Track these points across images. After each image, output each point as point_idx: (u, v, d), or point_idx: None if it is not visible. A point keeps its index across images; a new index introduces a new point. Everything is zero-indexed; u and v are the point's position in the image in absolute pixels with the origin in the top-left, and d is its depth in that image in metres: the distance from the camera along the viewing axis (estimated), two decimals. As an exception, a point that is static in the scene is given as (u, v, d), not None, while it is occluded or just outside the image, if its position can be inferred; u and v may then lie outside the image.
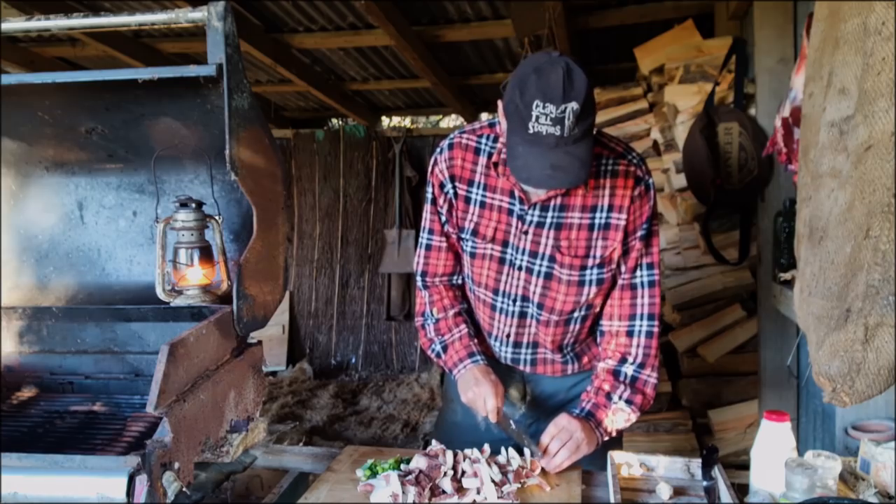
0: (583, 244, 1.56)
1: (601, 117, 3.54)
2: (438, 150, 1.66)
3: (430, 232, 1.71)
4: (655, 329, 1.61)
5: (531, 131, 1.32)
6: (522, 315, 1.65)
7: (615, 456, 1.53)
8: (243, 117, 1.30)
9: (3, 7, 3.37)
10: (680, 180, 3.26)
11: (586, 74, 1.33)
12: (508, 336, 1.68)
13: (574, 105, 1.30)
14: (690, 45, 3.30)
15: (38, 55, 4.53)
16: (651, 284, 1.60)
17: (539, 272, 1.59)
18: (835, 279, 1.32)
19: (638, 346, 1.60)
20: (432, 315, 1.72)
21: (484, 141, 1.61)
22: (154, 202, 1.60)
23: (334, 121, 7.12)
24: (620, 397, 1.58)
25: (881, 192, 1.21)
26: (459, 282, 1.75)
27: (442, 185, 1.65)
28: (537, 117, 1.31)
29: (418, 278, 1.76)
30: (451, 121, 8.77)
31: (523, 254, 1.59)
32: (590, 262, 1.56)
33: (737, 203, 3.18)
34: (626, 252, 1.58)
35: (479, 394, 1.55)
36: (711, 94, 3.13)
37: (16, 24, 1.35)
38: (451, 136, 1.66)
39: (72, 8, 3.66)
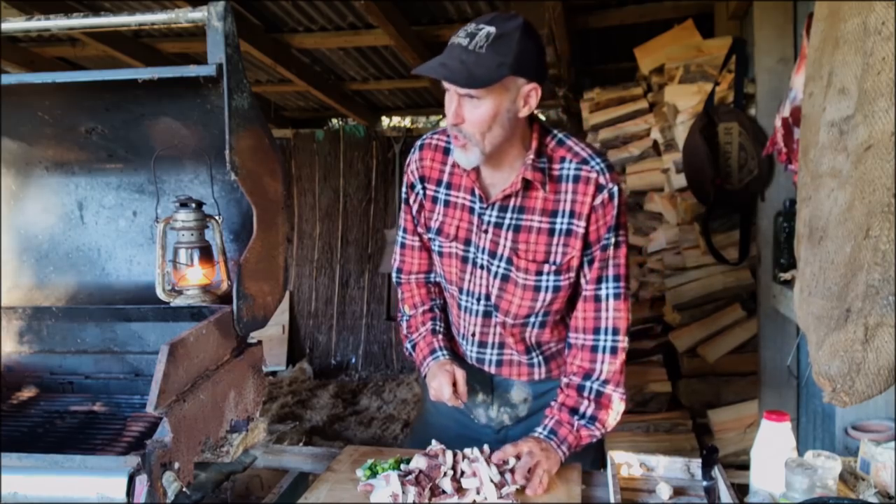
0: (542, 249, 1.53)
1: (601, 117, 3.55)
2: (412, 150, 1.68)
3: (405, 231, 1.73)
4: (620, 345, 1.55)
5: (448, 44, 1.38)
6: (487, 315, 1.63)
7: (615, 456, 1.53)
8: (243, 117, 1.30)
9: (3, 7, 3.37)
10: (680, 180, 3.26)
11: (536, 38, 1.40)
12: (474, 335, 1.67)
13: (491, 29, 1.35)
14: (690, 45, 3.30)
15: (38, 55, 4.53)
16: (616, 297, 1.54)
17: (496, 273, 1.57)
18: (835, 279, 1.32)
19: (602, 362, 1.55)
20: (405, 312, 1.75)
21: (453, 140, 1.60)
22: (154, 202, 1.60)
23: (334, 121, 7.12)
24: (584, 414, 1.53)
25: (881, 192, 1.21)
26: (434, 279, 1.76)
27: (412, 186, 1.66)
28: (458, 32, 1.38)
29: (394, 275, 1.79)
30: (451, 121, 8.75)
31: (483, 252, 1.57)
32: (546, 267, 1.53)
33: (737, 203, 3.17)
34: (589, 262, 1.53)
35: (437, 388, 1.57)
36: (711, 94, 3.13)
37: (16, 24, 1.35)
38: (424, 136, 1.67)
39: (72, 8, 3.66)
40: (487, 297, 1.60)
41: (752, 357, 3.28)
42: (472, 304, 1.63)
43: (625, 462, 1.53)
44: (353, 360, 6.02)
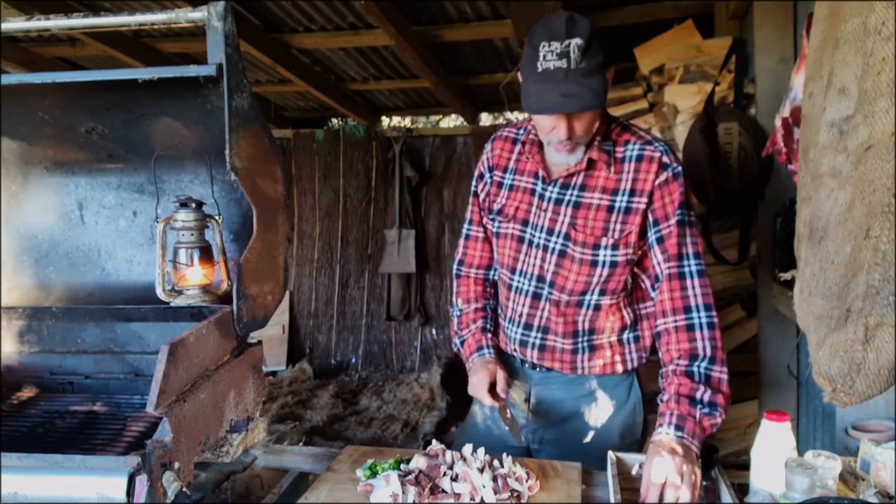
0: (600, 224, 1.58)
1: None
2: (488, 142, 1.79)
3: (470, 222, 1.83)
4: (715, 320, 1.52)
5: (540, 70, 1.41)
6: (536, 296, 1.66)
7: (615, 456, 1.53)
8: (243, 117, 1.30)
9: (3, 7, 3.37)
10: (680, 180, 3.25)
11: (590, 24, 1.42)
12: (521, 316, 1.69)
13: (578, 41, 1.39)
14: (690, 45, 3.29)
15: (38, 55, 4.53)
16: (700, 274, 1.54)
17: (553, 249, 1.62)
18: (835, 279, 1.32)
19: (703, 339, 1.50)
20: (457, 305, 1.81)
21: (521, 131, 1.71)
22: (154, 202, 1.60)
23: (334, 121, 7.12)
24: (703, 401, 1.45)
25: (881, 192, 1.21)
26: (493, 277, 1.81)
27: (482, 176, 1.77)
28: (544, 56, 1.41)
29: (454, 266, 1.86)
30: (450, 121, 8.76)
31: (541, 231, 1.63)
32: (604, 241, 1.57)
33: (737, 203, 3.17)
34: (661, 239, 1.55)
35: (475, 384, 1.63)
36: (711, 94, 3.13)
37: (16, 24, 1.35)
38: (499, 130, 1.79)
39: (72, 8, 3.66)
40: (540, 279, 1.65)
41: (752, 357, 3.28)
42: (524, 284, 1.67)
43: (625, 462, 1.53)
44: (353, 360, 6.02)
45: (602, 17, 3.76)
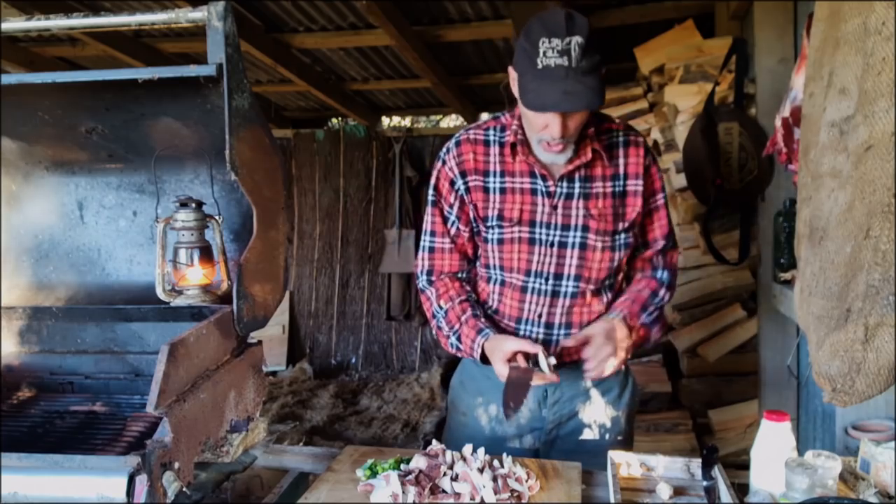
0: (609, 211, 1.64)
1: (601, 117, 3.54)
2: (445, 150, 1.69)
3: (432, 234, 1.72)
4: (675, 282, 1.77)
5: (540, 66, 1.40)
6: (555, 294, 1.66)
7: (615, 456, 1.53)
8: (243, 117, 1.30)
9: (3, 7, 3.37)
10: (680, 180, 3.25)
11: (587, 21, 1.42)
12: (540, 316, 1.67)
13: (578, 38, 1.39)
14: (691, 45, 3.29)
15: (38, 55, 4.53)
16: (674, 247, 1.78)
17: (573, 244, 1.62)
18: (835, 279, 1.32)
19: (667, 260, 1.75)
20: (441, 308, 1.71)
21: (492, 133, 1.67)
22: (154, 202, 1.59)
23: (334, 121, 7.12)
24: (651, 313, 1.68)
25: (881, 192, 1.21)
26: (466, 277, 1.76)
27: (452, 182, 1.67)
28: (545, 52, 1.39)
29: (422, 278, 1.75)
30: (451, 121, 8.77)
31: (554, 229, 1.62)
32: (620, 225, 1.64)
33: (737, 203, 3.18)
34: (649, 213, 1.70)
35: (506, 350, 1.53)
36: (711, 94, 3.13)
37: (16, 24, 1.35)
38: (457, 135, 1.70)
39: (72, 8, 3.66)
40: (557, 276, 1.65)
41: (752, 357, 3.28)
42: (541, 284, 1.66)
43: (625, 462, 1.53)
44: (353, 360, 6.02)
45: (602, 17, 3.76)
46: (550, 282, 1.65)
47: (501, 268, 1.68)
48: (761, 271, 3.19)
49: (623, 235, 1.66)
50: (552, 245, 1.63)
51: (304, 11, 3.86)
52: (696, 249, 3.29)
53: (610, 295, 1.71)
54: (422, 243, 1.74)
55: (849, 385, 1.26)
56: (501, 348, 1.55)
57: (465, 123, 6.59)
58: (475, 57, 4.72)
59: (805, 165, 1.50)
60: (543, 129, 1.50)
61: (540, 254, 1.64)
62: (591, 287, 1.66)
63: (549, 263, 1.64)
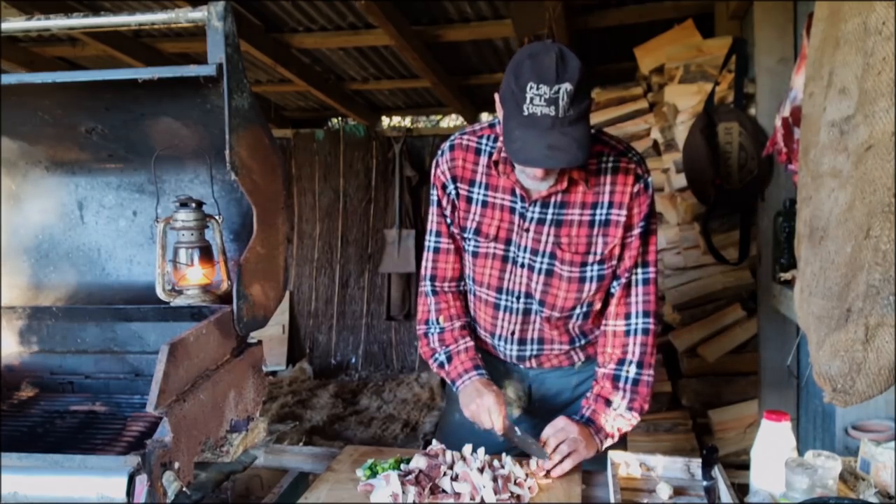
0: (583, 241, 1.56)
1: (601, 117, 3.54)
2: (440, 152, 1.67)
3: (438, 234, 1.71)
4: (651, 326, 1.61)
5: (526, 113, 1.34)
6: (527, 312, 1.65)
7: (615, 456, 1.53)
8: (243, 117, 1.30)
9: (3, 7, 3.37)
10: (680, 180, 3.25)
11: (580, 61, 1.36)
12: (513, 334, 1.68)
13: (567, 86, 1.32)
14: (690, 45, 3.29)
15: (38, 55, 4.53)
16: (646, 282, 1.61)
17: (540, 269, 1.59)
18: (835, 279, 1.32)
19: (635, 343, 1.61)
20: (437, 323, 1.70)
21: (484, 141, 1.62)
22: (154, 202, 1.59)
23: (334, 121, 7.11)
24: (620, 404, 1.59)
25: (881, 192, 1.21)
26: (464, 289, 1.74)
27: (444, 186, 1.65)
28: (531, 99, 1.33)
29: (427, 282, 1.74)
30: (451, 121, 8.76)
31: (525, 251, 1.59)
32: (590, 258, 1.57)
33: (737, 203, 3.17)
34: (623, 247, 1.58)
35: (482, 405, 1.55)
36: (711, 94, 3.13)
37: (16, 24, 1.35)
38: (452, 137, 1.67)
39: (72, 8, 3.66)
40: (528, 295, 1.62)
41: (752, 357, 3.28)
42: (512, 302, 1.64)
43: (625, 462, 1.53)
44: (353, 360, 6.01)
45: (602, 17, 3.76)
46: (522, 300, 1.63)
47: (474, 280, 1.67)
48: (761, 271, 3.19)
49: (595, 268, 1.58)
50: (522, 266, 1.60)
51: (303, 11, 3.86)
52: (695, 249, 3.29)
53: (587, 322, 1.66)
54: (426, 243, 1.74)
55: (849, 385, 1.26)
56: (496, 407, 1.55)
57: (465, 123, 6.59)
58: (475, 57, 4.71)
59: (805, 165, 1.50)
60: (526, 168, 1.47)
61: (512, 272, 1.61)
62: (557, 314, 1.62)
63: (521, 283, 1.62)
